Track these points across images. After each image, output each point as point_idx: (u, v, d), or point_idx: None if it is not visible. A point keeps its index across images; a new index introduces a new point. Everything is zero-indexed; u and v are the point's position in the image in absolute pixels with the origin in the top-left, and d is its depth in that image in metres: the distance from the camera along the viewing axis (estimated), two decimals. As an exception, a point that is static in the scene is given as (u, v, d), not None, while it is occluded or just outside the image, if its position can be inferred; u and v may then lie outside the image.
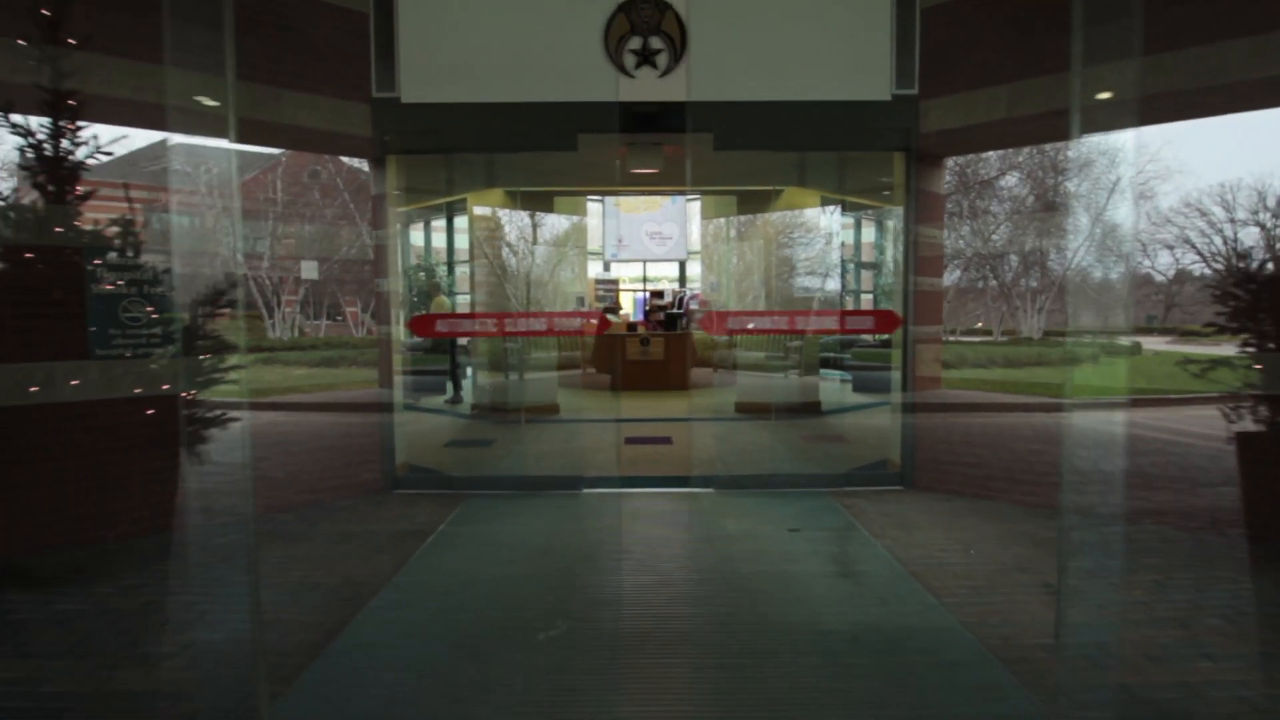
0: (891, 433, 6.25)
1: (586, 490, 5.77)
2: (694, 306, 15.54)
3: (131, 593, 3.81)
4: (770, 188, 8.79)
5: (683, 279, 16.73)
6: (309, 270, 5.24)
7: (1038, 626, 3.34)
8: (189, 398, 4.54)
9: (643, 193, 8.85)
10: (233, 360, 4.72)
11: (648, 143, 6.42)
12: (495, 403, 9.12)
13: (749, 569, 4.09)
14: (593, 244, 16.31)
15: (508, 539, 4.65)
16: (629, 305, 18.13)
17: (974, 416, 8.20)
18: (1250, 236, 16.10)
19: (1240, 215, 16.60)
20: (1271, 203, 15.72)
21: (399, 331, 6.76)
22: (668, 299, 16.65)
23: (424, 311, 15.60)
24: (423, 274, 15.90)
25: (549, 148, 5.95)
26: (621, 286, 16.89)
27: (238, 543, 4.50)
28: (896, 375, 6.13)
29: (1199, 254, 17.50)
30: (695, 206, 15.82)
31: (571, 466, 6.34)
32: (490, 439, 7.73)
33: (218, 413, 4.62)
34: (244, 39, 5.06)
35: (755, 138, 5.58)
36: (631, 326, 13.08)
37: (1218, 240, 16.99)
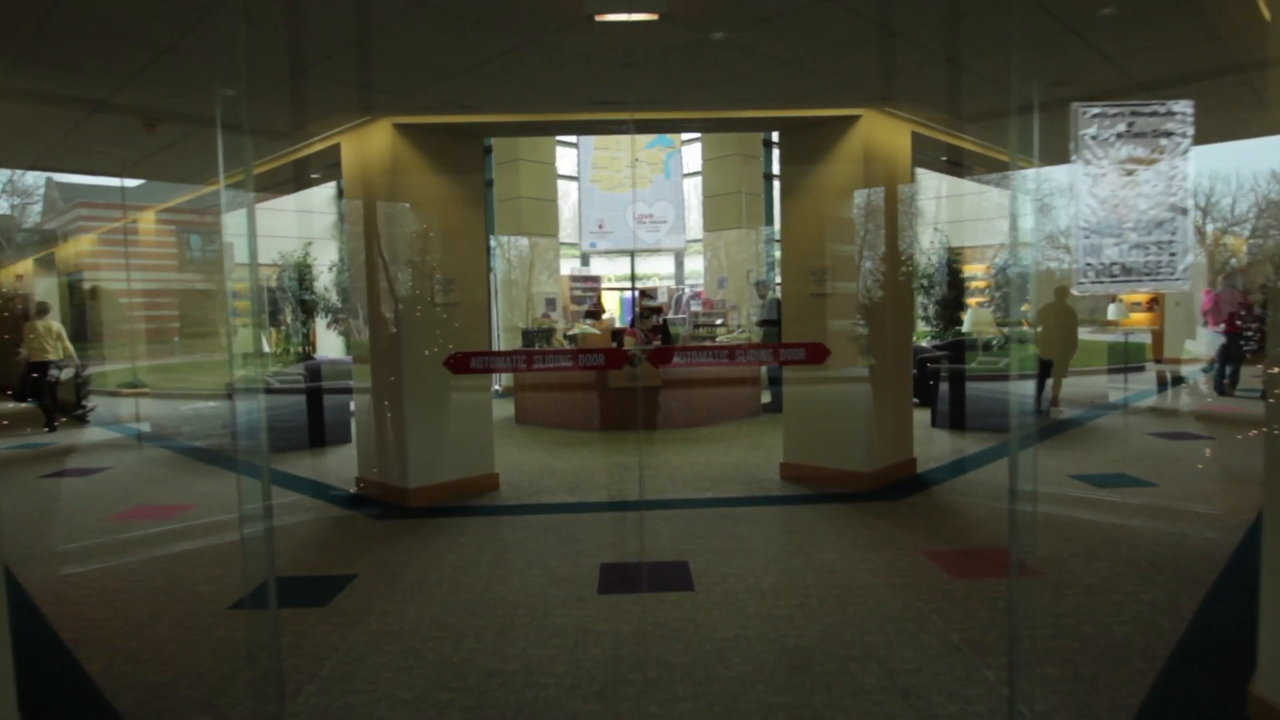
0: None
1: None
2: (695, 308, 11.75)
3: None
4: (838, 113, 5.00)
5: (680, 274, 12.93)
6: None
7: None
8: None
9: (625, 121, 5.03)
10: None
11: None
12: (385, 478, 5.28)
13: None
14: (565, 234, 12.46)
15: None
16: (615, 308, 14.28)
17: None
18: None
19: None
20: None
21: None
22: (661, 299, 12.83)
23: (275, 329, 11.04)
24: (288, 276, 11.50)
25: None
26: (604, 285, 13.08)
27: None
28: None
29: None
30: (696, 183, 12.02)
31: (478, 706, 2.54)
32: (346, 574, 3.90)
33: None
34: None
35: None
36: (616, 336, 9.28)
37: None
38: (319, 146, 5.38)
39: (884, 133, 5.20)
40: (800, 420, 5.57)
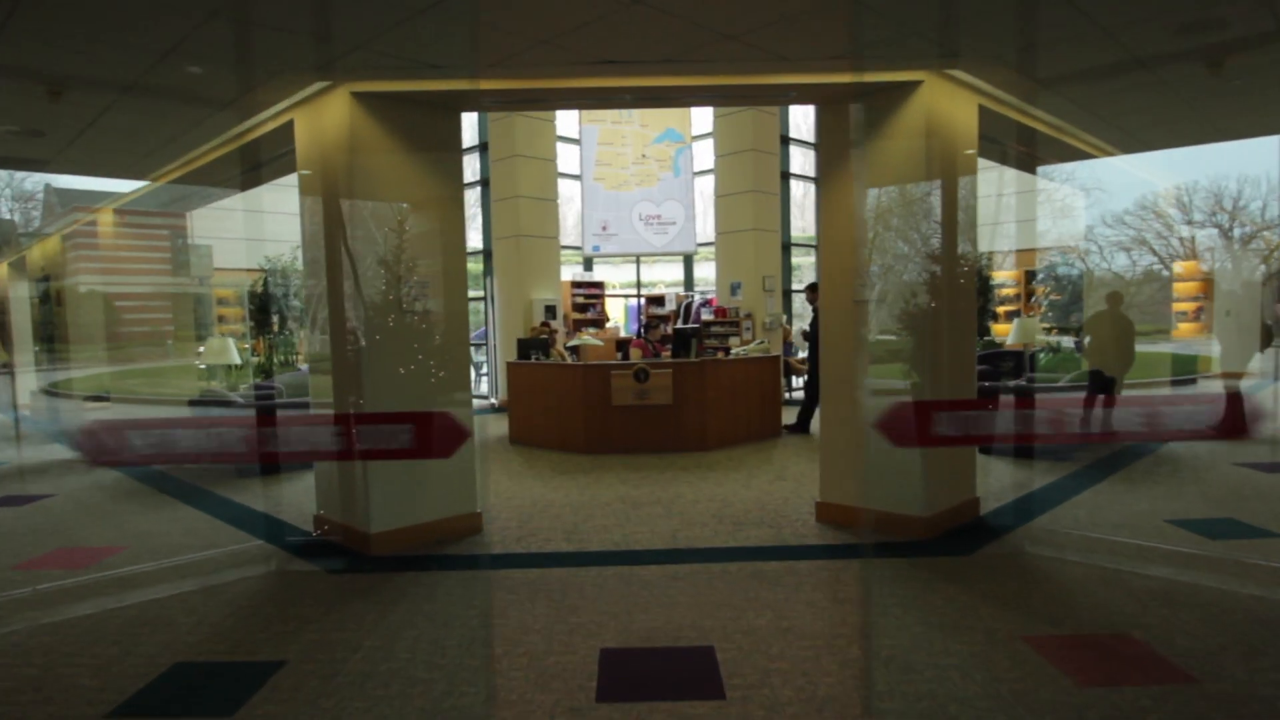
0: None
1: None
2: (706, 316, 10.87)
3: None
4: (895, 77, 4.12)
5: (690, 280, 12.04)
6: None
7: None
8: None
9: (635, 89, 4.09)
10: None
11: None
12: (346, 519, 4.39)
13: None
14: (568, 237, 11.61)
15: None
16: (620, 317, 13.41)
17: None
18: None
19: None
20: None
21: None
22: (670, 307, 11.94)
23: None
24: (272, 282, 10.50)
25: None
26: (608, 292, 12.20)
27: None
28: None
29: None
30: (708, 183, 11.16)
31: None
32: (272, 661, 3.01)
33: None
34: None
35: None
36: (622, 347, 8.41)
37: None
38: (271, 125, 4.52)
39: (948, 104, 4.30)
40: (839, 450, 4.65)
